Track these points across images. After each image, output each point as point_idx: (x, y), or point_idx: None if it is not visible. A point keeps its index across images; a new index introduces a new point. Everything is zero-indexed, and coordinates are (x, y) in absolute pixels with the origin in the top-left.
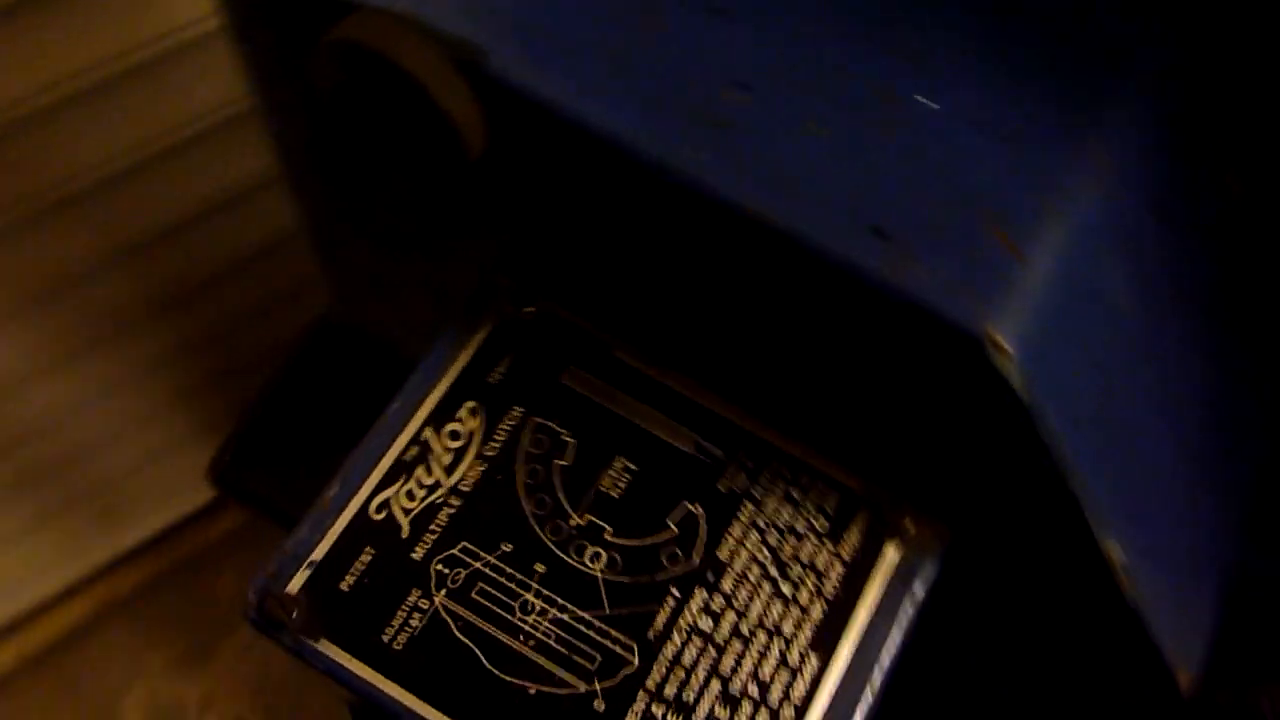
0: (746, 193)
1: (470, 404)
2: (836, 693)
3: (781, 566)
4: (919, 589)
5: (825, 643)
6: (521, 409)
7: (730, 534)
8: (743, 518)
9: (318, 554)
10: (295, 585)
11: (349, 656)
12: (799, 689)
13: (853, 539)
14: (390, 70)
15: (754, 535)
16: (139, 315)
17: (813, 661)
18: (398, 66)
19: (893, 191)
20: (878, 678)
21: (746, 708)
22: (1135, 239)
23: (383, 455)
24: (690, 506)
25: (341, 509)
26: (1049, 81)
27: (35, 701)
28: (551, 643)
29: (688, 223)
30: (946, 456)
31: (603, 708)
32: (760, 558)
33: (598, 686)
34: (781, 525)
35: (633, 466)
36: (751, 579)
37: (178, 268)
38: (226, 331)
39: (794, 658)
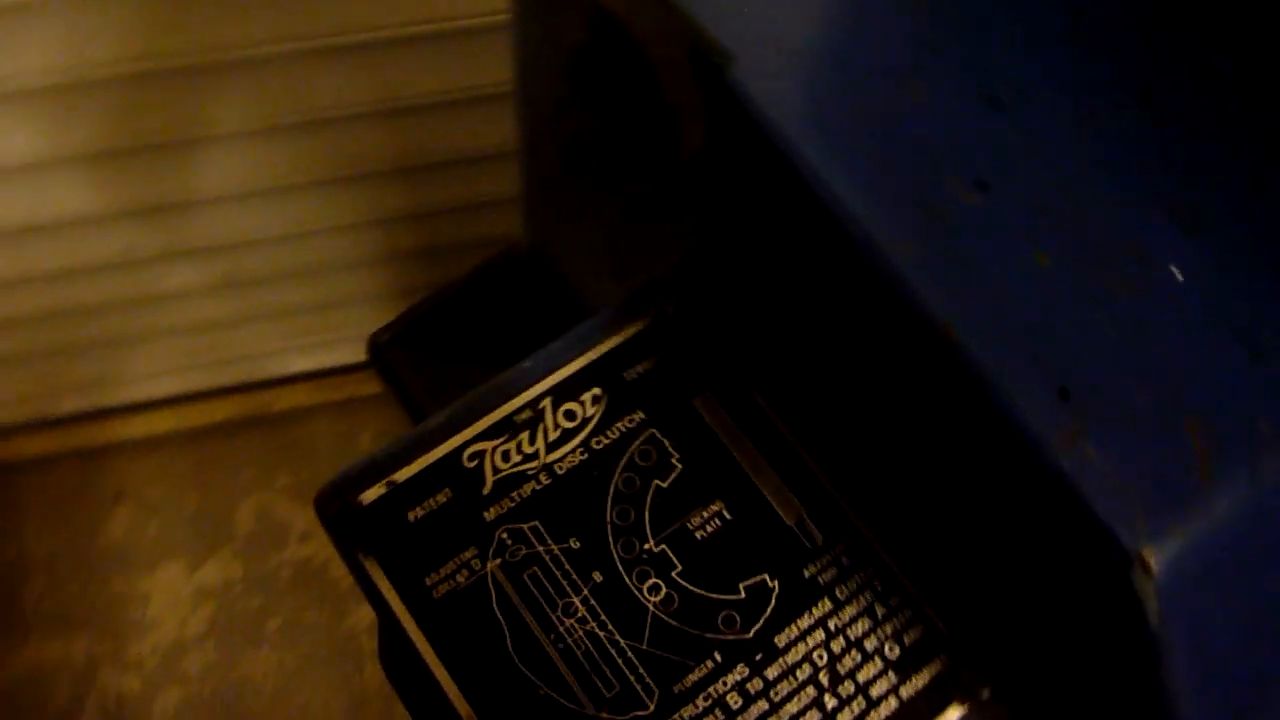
0: (938, 299)
1: (597, 390)
2: None
3: (835, 678)
4: None
5: None
6: (643, 415)
7: (797, 623)
8: (816, 612)
9: (400, 475)
10: (369, 496)
11: (389, 585)
12: None
13: (919, 681)
14: (629, 46)
15: (820, 634)
16: (372, 171)
17: None
18: (637, 46)
19: (1097, 357)
20: None
21: None
22: None
23: (497, 407)
24: (768, 579)
25: (439, 442)
26: None
27: (169, 476)
28: (578, 654)
29: (871, 301)
30: (1054, 642)
31: None
32: (816, 659)
33: (604, 716)
34: (852, 636)
35: (728, 516)
36: (799, 677)
37: (418, 143)
38: (443, 215)
39: None
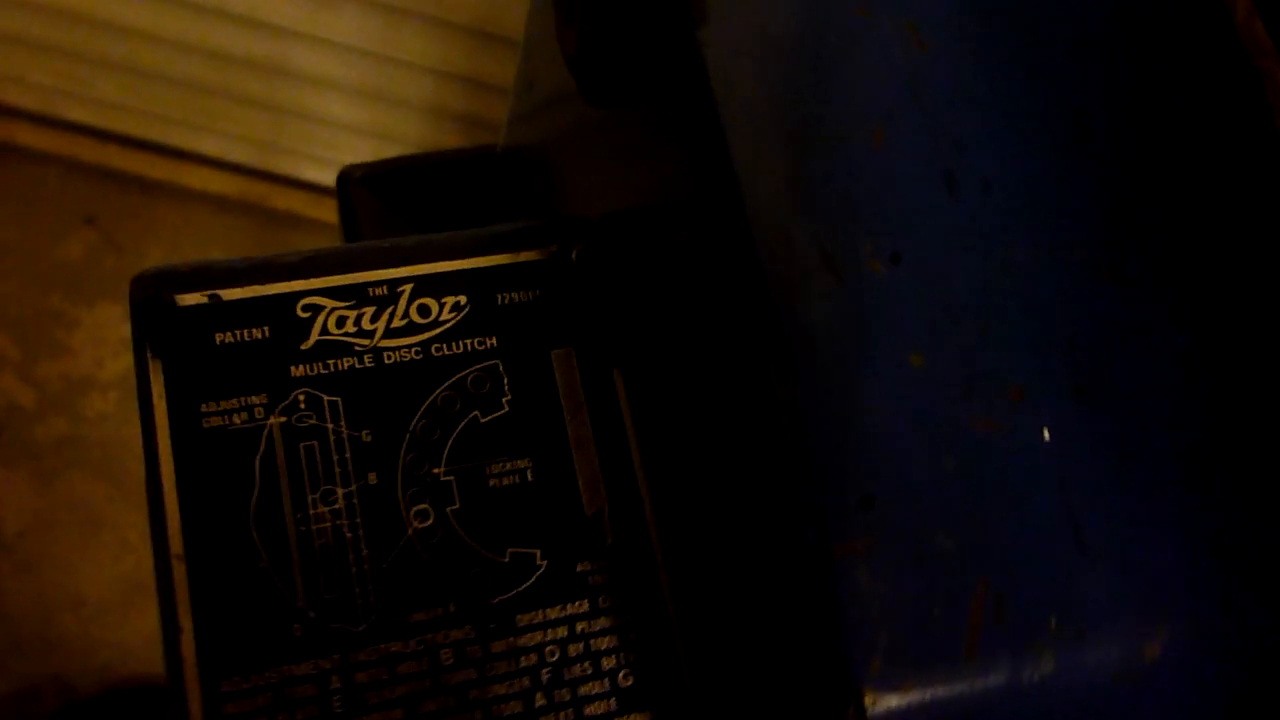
0: (789, 354)
1: (462, 299)
2: None
3: (556, 680)
4: None
5: None
6: (495, 343)
7: (545, 611)
8: (570, 609)
9: (227, 293)
10: (187, 299)
11: (162, 394)
12: None
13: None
14: None
15: (563, 631)
16: (466, 25)
17: None
18: None
19: (918, 484)
20: None
21: None
22: None
23: (356, 271)
24: (538, 556)
25: (282, 279)
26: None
27: (145, 222)
28: (316, 544)
29: (738, 327)
30: None
31: (299, 633)
32: (547, 654)
33: (313, 615)
34: (594, 648)
35: (529, 478)
36: (520, 662)
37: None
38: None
39: None
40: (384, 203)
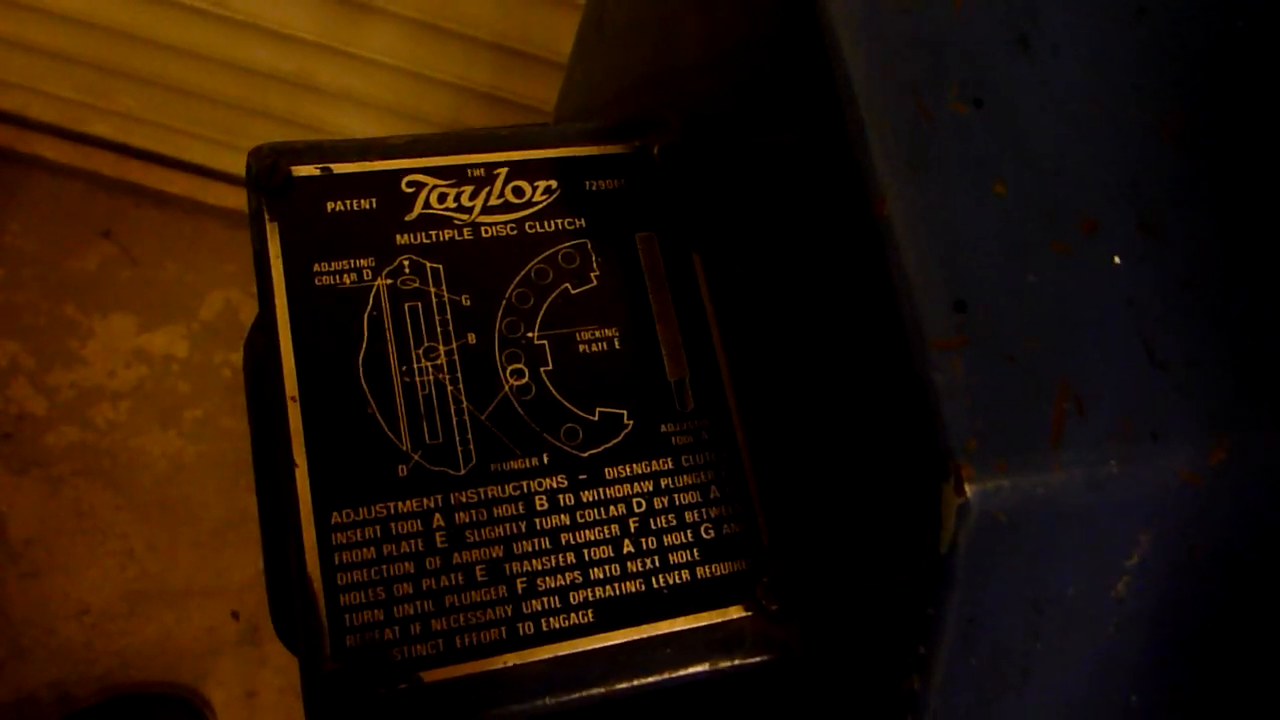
0: (885, 175)
1: (553, 183)
2: (572, 657)
3: (643, 529)
4: (723, 663)
5: (605, 616)
6: (584, 224)
7: (633, 466)
8: (655, 465)
9: (338, 167)
10: (301, 170)
11: (278, 254)
12: (551, 623)
13: (718, 569)
14: None
15: (649, 485)
16: (476, 38)
17: (584, 617)
18: None
19: (1006, 293)
20: (619, 687)
21: (498, 591)
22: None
23: (457, 153)
24: (625, 415)
25: (389, 157)
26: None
27: (161, 236)
28: (420, 394)
29: (829, 171)
30: (854, 564)
31: (404, 473)
32: (634, 505)
33: (417, 458)
34: (677, 502)
35: (616, 346)
36: (609, 512)
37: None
38: (518, 108)
39: (575, 600)
40: None
